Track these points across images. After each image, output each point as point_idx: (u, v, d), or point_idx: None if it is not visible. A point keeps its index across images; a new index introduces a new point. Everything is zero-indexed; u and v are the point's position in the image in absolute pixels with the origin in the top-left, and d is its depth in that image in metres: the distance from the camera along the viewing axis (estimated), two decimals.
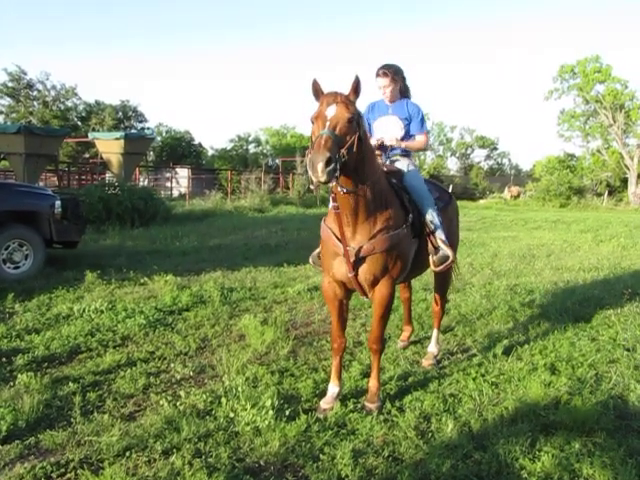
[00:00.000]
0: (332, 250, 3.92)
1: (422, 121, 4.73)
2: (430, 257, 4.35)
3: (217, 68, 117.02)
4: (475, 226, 18.29)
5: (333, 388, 4.09)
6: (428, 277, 7.66)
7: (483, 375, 4.63)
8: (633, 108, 42.95)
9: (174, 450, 3.38)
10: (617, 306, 6.86)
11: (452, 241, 4.65)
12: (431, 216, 4.31)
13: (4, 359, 4.86)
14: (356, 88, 3.56)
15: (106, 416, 3.81)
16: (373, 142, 4.46)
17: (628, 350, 5.33)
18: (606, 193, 43.49)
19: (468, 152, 63.56)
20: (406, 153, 4.72)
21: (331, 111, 3.45)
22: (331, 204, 3.85)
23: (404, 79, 4.75)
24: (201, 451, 3.40)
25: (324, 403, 4.01)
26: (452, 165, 62.37)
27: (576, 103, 47.15)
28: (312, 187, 3.55)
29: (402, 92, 4.77)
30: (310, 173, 3.27)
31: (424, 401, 4.12)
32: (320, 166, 3.18)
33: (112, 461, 3.24)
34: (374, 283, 3.90)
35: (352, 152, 3.44)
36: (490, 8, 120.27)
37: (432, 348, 5.15)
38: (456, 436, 3.62)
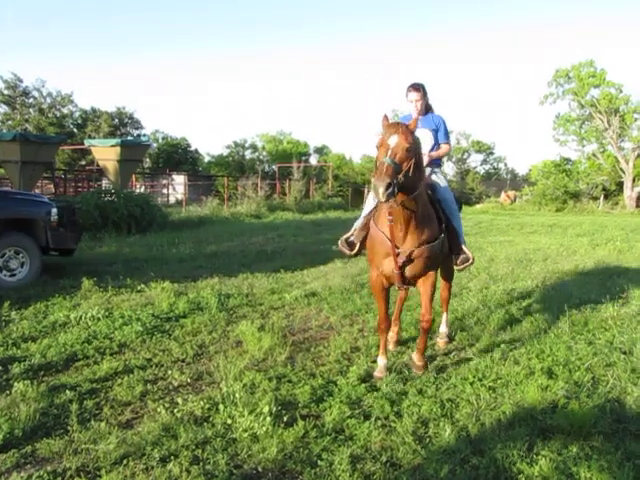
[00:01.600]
0: (383, 251, 4.62)
1: (446, 131, 5.45)
2: (454, 258, 5.21)
3: (214, 74, 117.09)
4: (471, 231, 18.30)
5: (382, 360, 4.86)
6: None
7: (480, 379, 4.63)
8: (628, 112, 43.11)
9: (172, 457, 3.37)
10: (613, 309, 6.87)
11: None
12: (457, 225, 5.17)
13: (0, 367, 4.84)
14: (416, 121, 4.38)
15: (103, 424, 3.80)
16: None
17: (625, 353, 5.34)
18: (602, 197, 43.59)
19: (464, 157, 63.59)
20: (438, 164, 5.47)
21: (393, 140, 4.08)
22: (387, 217, 4.43)
23: (427, 94, 5.43)
24: (199, 458, 3.39)
25: (378, 372, 4.78)
26: (448, 170, 62.30)
27: (571, 107, 47.31)
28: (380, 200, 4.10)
29: (427, 107, 5.46)
30: (373, 194, 4.22)
31: (422, 406, 4.12)
32: (381, 190, 3.87)
33: (109, 469, 3.23)
34: (417, 278, 4.71)
35: (409, 177, 4.09)
36: (486, 11, 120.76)
37: (443, 328, 5.87)
38: (454, 441, 3.62)
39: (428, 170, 5.24)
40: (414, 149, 4.16)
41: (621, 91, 43.35)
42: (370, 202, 5.15)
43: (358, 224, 5.21)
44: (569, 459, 3.36)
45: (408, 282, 4.77)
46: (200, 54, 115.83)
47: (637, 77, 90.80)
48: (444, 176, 5.60)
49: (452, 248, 5.14)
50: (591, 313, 6.80)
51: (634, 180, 42.63)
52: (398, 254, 4.50)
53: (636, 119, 43.23)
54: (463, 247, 5.20)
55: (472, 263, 5.29)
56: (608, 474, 3.18)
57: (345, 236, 5.23)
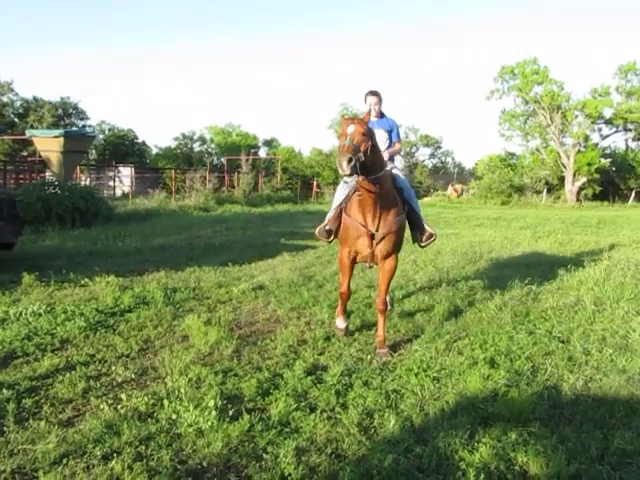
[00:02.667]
0: (355, 233, 5.37)
1: (398, 131, 6.33)
2: (419, 235, 5.93)
3: (162, 65, 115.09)
4: None
5: (342, 323, 5.82)
6: (373, 274, 7.78)
7: (425, 370, 4.71)
8: (569, 109, 44.51)
9: (114, 455, 3.30)
10: (553, 300, 7.10)
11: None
12: (418, 208, 5.96)
13: None
14: (368, 114, 5.29)
15: (42, 423, 3.68)
16: None
17: (563, 342, 5.53)
18: (545, 191, 44.93)
19: (412, 150, 64.47)
20: (393, 160, 6.26)
21: (350, 129, 4.78)
22: (356, 193, 5.20)
23: (382, 102, 6.22)
24: (142, 454, 3.34)
25: (339, 330, 5.79)
26: (397, 163, 63.11)
27: (516, 103, 48.57)
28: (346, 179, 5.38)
29: (381, 112, 6.26)
30: (339, 170, 4.63)
31: (367, 397, 4.16)
32: (344, 164, 4.54)
33: (47, 469, 3.13)
34: (386, 257, 5.38)
35: (367, 156, 4.76)
36: (432, 6, 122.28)
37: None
38: (398, 431, 3.68)
39: (390, 164, 5.95)
40: (369, 134, 4.86)
41: (563, 89, 44.73)
42: (339, 194, 5.83)
43: (330, 215, 5.83)
44: (508, 445, 3.46)
45: (376, 260, 5.47)
46: (148, 45, 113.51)
47: (577, 75, 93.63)
48: (400, 170, 6.37)
49: (416, 228, 5.95)
50: (532, 304, 7.01)
51: (575, 175, 44.08)
52: (373, 236, 5.26)
53: (576, 116, 44.69)
54: (425, 226, 5.91)
55: (435, 239, 6.02)
56: (543, 458, 3.29)
57: (321, 225, 5.85)
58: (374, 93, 6.14)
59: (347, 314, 6.07)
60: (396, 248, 5.44)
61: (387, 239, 5.29)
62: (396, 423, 3.77)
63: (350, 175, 4.76)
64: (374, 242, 5.28)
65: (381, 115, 6.27)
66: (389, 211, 5.27)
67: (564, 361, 4.97)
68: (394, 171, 5.98)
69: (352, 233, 5.41)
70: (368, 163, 4.79)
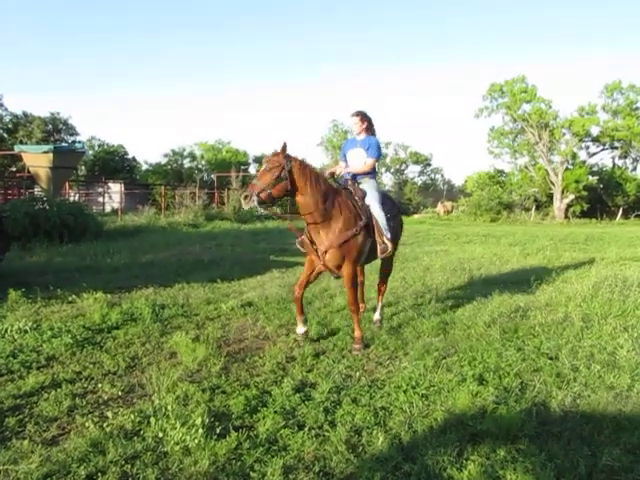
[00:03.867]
0: (307, 247, 6.10)
1: (373, 149, 6.40)
2: (378, 247, 6.17)
3: (153, 82, 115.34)
4: (408, 240, 18.60)
5: (301, 329, 6.22)
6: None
7: (414, 387, 4.69)
8: (556, 127, 44.99)
9: (99, 474, 3.26)
10: (541, 317, 7.11)
11: (397, 239, 6.86)
12: (382, 222, 6.17)
13: None
14: (284, 149, 5.71)
15: (26, 442, 3.63)
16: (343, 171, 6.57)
17: (551, 359, 5.53)
18: (533, 208, 45.24)
19: (402, 168, 64.74)
20: (371, 175, 6.48)
21: (264, 166, 5.70)
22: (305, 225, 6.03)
23: (370, 120, 6.47)
24: (128, 473, 3.30)
25: (298, 335, 6.19)
26: (387, 180, 63.32)
27: (505, 121, 49.04)
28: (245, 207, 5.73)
29: (369, 130, 6.47)
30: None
31: (356, 415, 4.14)
32: (242, 200, 5.63)
33: None
34: (338, 267, 5.92)
35: (270, 193, 5.56)
36: (424, 24, 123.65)
37: (377, 316, 7.04)
38: (386, 449, 3.66)
39: (367, 180, 6.43)
40: (280, 171, 5.59)
41: (550, 107, 45.23)
42: None
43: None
44: (496, 462, 3.45)
45: (333, 271, 6.04)
46: (140, 61, 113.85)
47: (564, 93, 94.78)
48: (376, 183, 6.58)
49: (377, 243, 6.22)
50: (521, 320, 7.01)
51: (563, 192, 44.44)
52: (317, 250, 5.93)
53: (564, 134, 45.18)
54: (385, 240, 6.17)
55: (389, 253, 6.31)
56: (532, 475, 3.28)
57: (300, 238, 6.29)
58: (356, 114, 6.45)
59: (305, 319, 6.33)
60: (347, 259, 5.87)
61: (331, 252, 5.82)
62: (384, 441, 3.75)
63: (247, 207, 5.63)
64: (320, 255, 5.89)
65: (368, 133, 6.47)
66: (334, 227, 5.82)
67: (552, 377, 4.97)
68: (363, 186, 6.35)
69: (306, 247, 6.15)
70: (274, 196, 5.62)
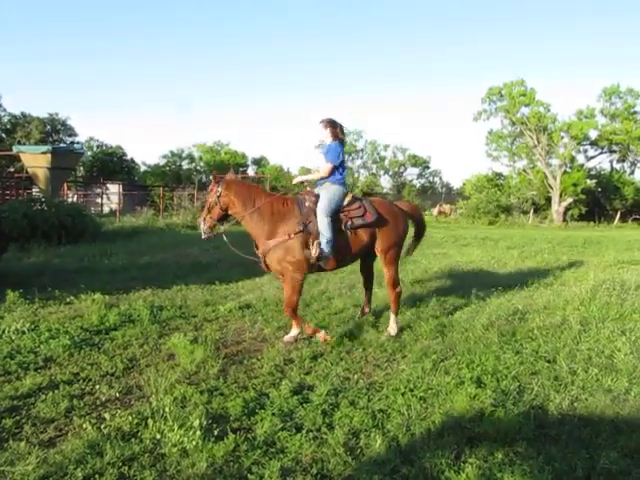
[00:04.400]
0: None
1: (329, 155, 6.51)
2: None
3: (151, 83, 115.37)
4: (407, 243, 18.56)
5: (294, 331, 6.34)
6: (361, 294, 7.74)
7: (412, 390, 4.69)
8: (555, 130, 45.09)
9: (96, 476, 3.26)
10: (540, 320, 7.11)
11: (386, 247, 7.21)
12: (321, 228, 6.18)
13: None
14: (215, 177, 6.58)
15: (23, 443, 3.63)
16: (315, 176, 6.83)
17: (549, 362, 5.54)
18: (532, 211, 45.32)
19: (401, 170, 64.87)
20: (333, 180, 6.51)
21: (211, 191, 6.49)
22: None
23: (335, 126, 6.54)
24: (125, 475, 3.30)
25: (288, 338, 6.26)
26: (385, 183, 63.46)
27: (503, 124, 49.19)
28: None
29: (333, 135, 6.55)
30: None
31: (353, 417, 4.14)
32: (200, 227, 6.56)
33: None
34: (276, 270, 6.37)
35: (214, 214, 6.43)
36: (424, 25, 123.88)
37: (387, 330, 6.64)
38: (384, 451, 3.66)
39: (328, 184, 6.48)
40: (218, 195, 6.32)
41: (549, 110, 45.34)
42: None
43: None
44: (494, 465, 3.45)
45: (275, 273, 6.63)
46: (139, 62, 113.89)
47: (563, 97, 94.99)
48: (336, 188, 6.48)
49: (347, 245, 6.49)
50: (519, 323, 7.02)
51: (561, 195, 44.53)
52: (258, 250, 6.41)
53: (562, 137, 45.28)
54: (317, 244, 6.21)
55: (324, 263, 6.34)
56: (530, 478, 3.29)
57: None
58: (320, 121, 6.65)
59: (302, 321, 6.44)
60: (284, 263, 6.18)
61: (268, 256, 6.26)
62: (382, 443, 3.75)
63: (208, 237, 6.56)
64: (261, 257, 6.36)
65: (333, 138, 6.56)
66: (270, 234, 6.22)
67: (550, 381, 4.98)
68: (320, 191, 6.47)
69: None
70: (220, 215, 6.41)
